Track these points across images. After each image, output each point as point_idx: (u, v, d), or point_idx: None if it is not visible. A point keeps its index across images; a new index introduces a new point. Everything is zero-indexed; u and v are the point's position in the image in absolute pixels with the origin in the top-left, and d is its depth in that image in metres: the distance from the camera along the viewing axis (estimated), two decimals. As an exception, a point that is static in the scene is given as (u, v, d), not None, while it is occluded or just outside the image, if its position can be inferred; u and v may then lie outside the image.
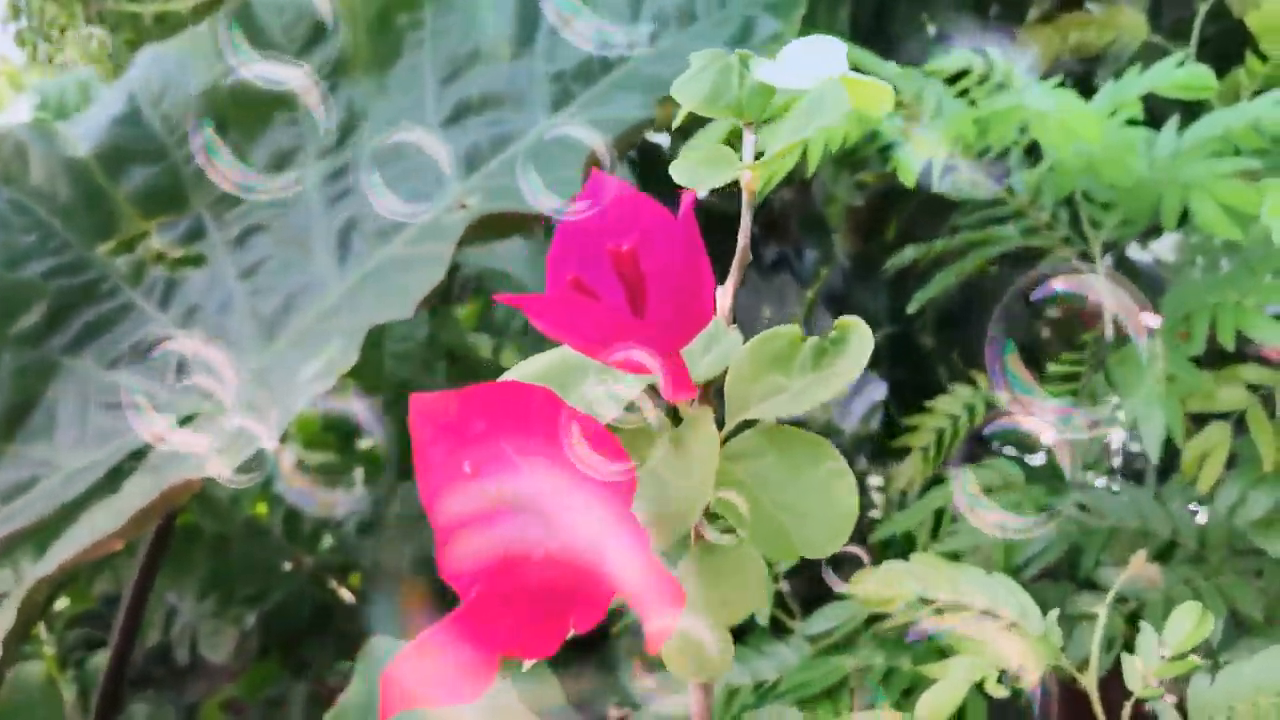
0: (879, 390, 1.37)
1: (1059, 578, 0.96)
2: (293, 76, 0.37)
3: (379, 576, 1.28)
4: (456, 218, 0.85)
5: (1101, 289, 0.40)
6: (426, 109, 0.91)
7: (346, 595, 1.27)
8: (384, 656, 0.71)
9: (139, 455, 0.88)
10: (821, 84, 0.31)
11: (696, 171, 0.32)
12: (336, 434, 1.24)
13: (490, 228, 0.79)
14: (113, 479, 0.89)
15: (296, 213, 0.91)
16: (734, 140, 0.35)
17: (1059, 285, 0.46)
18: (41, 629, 1.30)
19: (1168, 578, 0.87)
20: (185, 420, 0.89)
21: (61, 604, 1.30)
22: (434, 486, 0.26)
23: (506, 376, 0.31)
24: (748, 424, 0.30)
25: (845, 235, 1.37)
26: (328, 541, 1.26)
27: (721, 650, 0.27)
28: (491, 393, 0.26)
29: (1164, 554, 0.93)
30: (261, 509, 1.25)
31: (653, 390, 0.29)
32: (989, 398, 1.03)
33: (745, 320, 0.31)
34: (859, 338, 0.29)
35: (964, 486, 0.52)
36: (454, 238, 0.75)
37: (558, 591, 0.25)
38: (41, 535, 0.84)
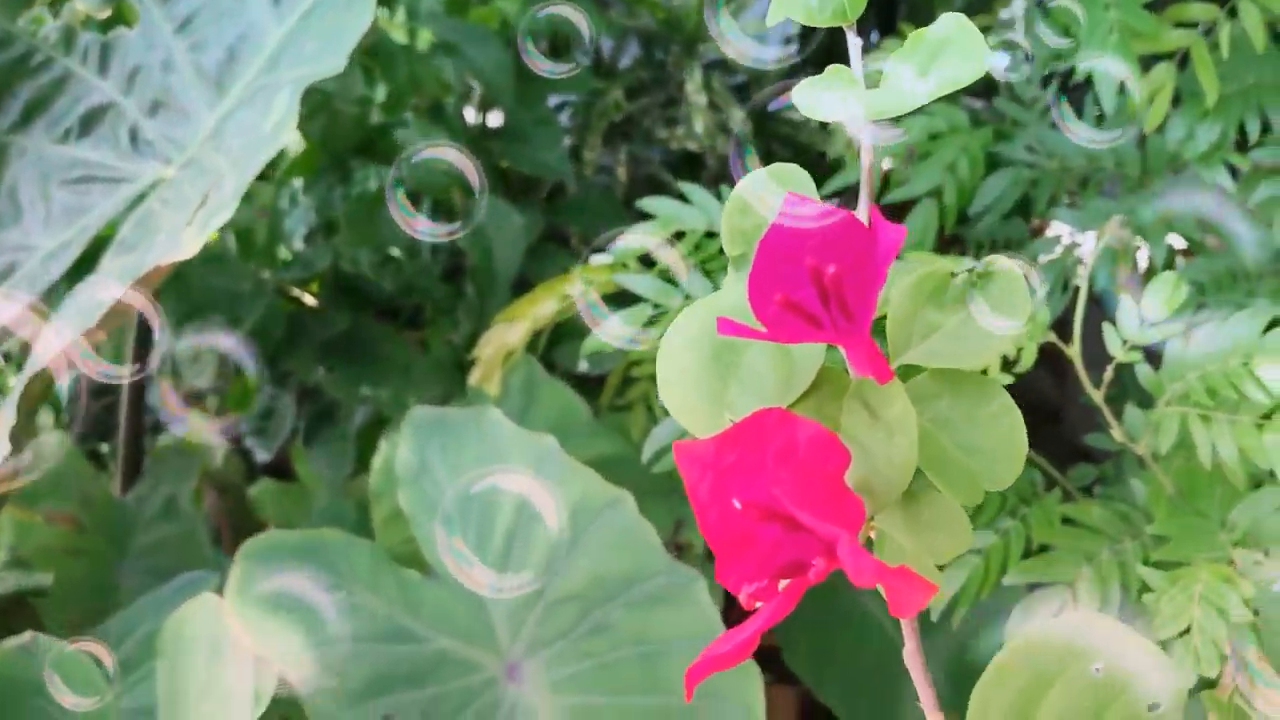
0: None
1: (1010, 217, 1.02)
2: None
3: (339, 278, 1.30)
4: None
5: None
6: None
7: (311, 300, 1.29)
8: (430, 427, 0.75)
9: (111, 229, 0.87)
10: (947, 24, 0.31)
11: (819, 102, 0.33)
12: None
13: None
14: (89, 257, 0.88)
15: (218, -48, 0.84)
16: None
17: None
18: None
19: (1113, 208, 0.93)
20: (149, 192, 0.87)
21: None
22: (709, 520, 0.29)
23: (666, 342, 0.33)
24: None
25: None
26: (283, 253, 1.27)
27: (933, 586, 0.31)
28: (737, 428, 0.28)
29: (1108, 189, 0.99)
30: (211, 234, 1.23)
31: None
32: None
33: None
34: (1006, 275, 0.31)
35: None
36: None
37: (805, 571, 0.29)
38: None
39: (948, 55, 0.31)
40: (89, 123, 0.86)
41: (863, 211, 0.33)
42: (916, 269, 0.32)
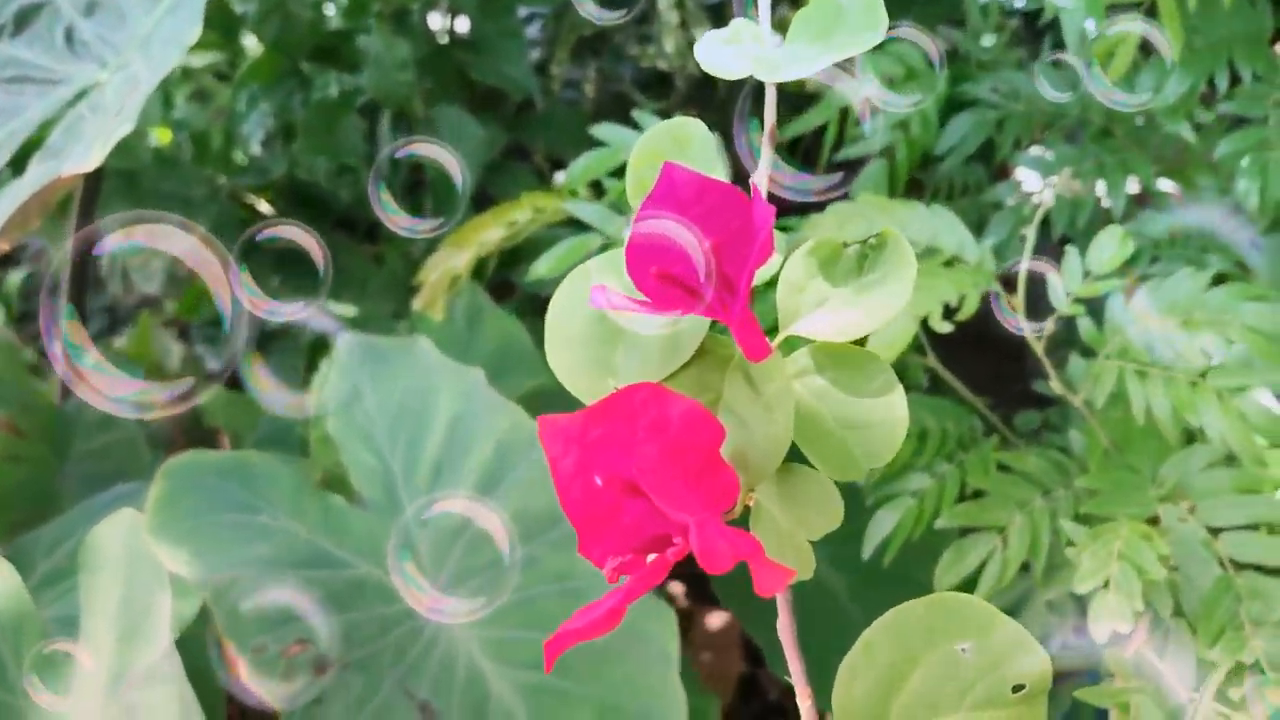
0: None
1: (972, 161, 1.00)
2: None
3: (295, 186, 1.28)
4: None
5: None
6: None
7: (266, 208, 1.27)
8: (360, 354, 0.74)
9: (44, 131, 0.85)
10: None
11: (719, 57, 0.31)
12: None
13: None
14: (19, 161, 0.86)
15: None
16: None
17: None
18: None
19: (1076, 155, 0.92)
20: (84, 95, 0.84)
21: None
22: (570, 496, 0.28)
23: (554, 303, 0.32)
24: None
25: None
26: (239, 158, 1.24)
27: (803, 561, 0.31)
28: (606, 402, 0.28)
29: (1072, 134, 0.98)
30: (165, 135, 1.21)
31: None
32: None
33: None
34: (897, 247, 0.30)
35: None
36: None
37: (668, 546, 0.28)
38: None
39: (849, 20, 0.29)
40: (24, 20, 0.83)
41: (762, 177, 0.31)
42: (814, 237, 0.31)
